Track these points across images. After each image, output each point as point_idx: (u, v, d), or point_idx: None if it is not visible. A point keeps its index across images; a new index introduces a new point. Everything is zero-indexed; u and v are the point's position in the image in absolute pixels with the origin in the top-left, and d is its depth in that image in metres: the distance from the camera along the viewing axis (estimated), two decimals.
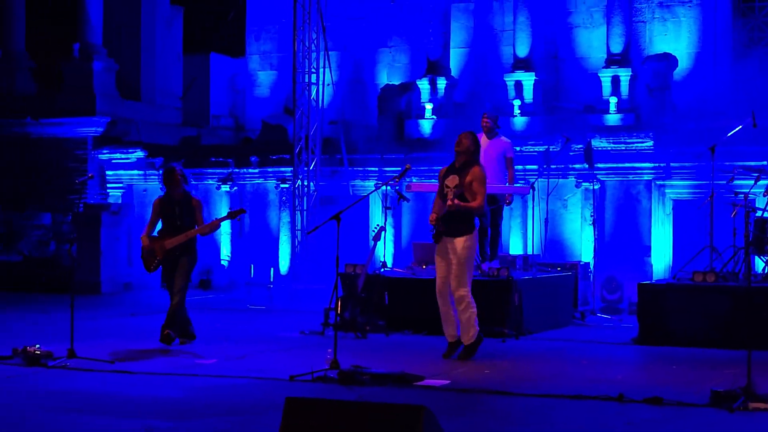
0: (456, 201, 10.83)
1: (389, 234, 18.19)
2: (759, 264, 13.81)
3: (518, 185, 15.26)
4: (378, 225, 14.13)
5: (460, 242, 11.01)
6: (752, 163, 15.07)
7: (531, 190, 15.12)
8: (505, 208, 14.96)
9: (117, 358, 10.82)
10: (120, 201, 21.28)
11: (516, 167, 15.03)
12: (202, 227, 11.90)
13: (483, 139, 13.91)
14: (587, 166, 16.10)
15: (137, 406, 8.51)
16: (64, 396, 8.93)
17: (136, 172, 21.35)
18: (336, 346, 9.92)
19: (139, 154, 21.40)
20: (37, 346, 10.66)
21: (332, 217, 10.19)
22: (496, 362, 11.15)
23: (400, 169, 12.01)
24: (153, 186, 20.61)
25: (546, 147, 16.67)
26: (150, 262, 11.95)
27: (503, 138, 14.37)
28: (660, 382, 9.74)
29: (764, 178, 14.16)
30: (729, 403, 8.35)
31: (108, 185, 21.75)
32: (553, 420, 8.19)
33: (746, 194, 13.15)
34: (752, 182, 13.83)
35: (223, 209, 20.22)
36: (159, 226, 12.12)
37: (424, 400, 8.03)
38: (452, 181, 11.05)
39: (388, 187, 15.64)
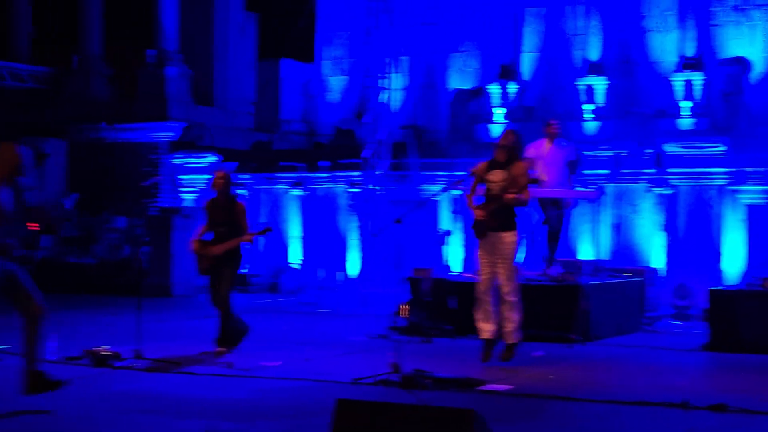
0: (514, 194, 10.75)
1: (457, 238, 18.15)
2: None
3: (589, 190, 15.14)
4: (444, 229, 14.12)
5: (507, 236, 10.89)
6: None
7: (601, 195, 14.97)
8: (574, 213, 14.84)
9: (183, 360, 10.94)
10: (193, 205, 21.50)
11: (586, 172, 14.89)
12: (244, 236, 11.85)
13: (545, 145, 13.85)
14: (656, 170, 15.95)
15: (200, 407, 8.57)
16: (128, 396, 9.03)
17: (209, 176, 21.52)
18: (400, 349, 9.90)
19: (212, 158, 21.63)
20: (106, 347, 10.80)
21: (394, 220, 10.20)
22: (561, 367, 11.07)
23: None
24: None
25: (617, 152, 16.53)
26: (201, 266, 12.02)
27: (565, 142, 14.27)
28: (727, 389, 9.60)
29: None
30: None
31: (181, 189, 22.00)
32: (615, 426, 8.11)
33: None
34: None
35: (293, 213, 20.35)
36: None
37: (486, 405, 7.99)
38: (497, 176, 10.91)
39: (458, 191, 15.55)
